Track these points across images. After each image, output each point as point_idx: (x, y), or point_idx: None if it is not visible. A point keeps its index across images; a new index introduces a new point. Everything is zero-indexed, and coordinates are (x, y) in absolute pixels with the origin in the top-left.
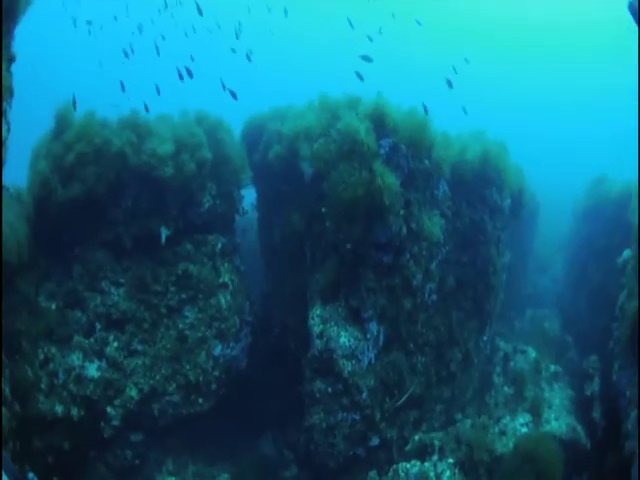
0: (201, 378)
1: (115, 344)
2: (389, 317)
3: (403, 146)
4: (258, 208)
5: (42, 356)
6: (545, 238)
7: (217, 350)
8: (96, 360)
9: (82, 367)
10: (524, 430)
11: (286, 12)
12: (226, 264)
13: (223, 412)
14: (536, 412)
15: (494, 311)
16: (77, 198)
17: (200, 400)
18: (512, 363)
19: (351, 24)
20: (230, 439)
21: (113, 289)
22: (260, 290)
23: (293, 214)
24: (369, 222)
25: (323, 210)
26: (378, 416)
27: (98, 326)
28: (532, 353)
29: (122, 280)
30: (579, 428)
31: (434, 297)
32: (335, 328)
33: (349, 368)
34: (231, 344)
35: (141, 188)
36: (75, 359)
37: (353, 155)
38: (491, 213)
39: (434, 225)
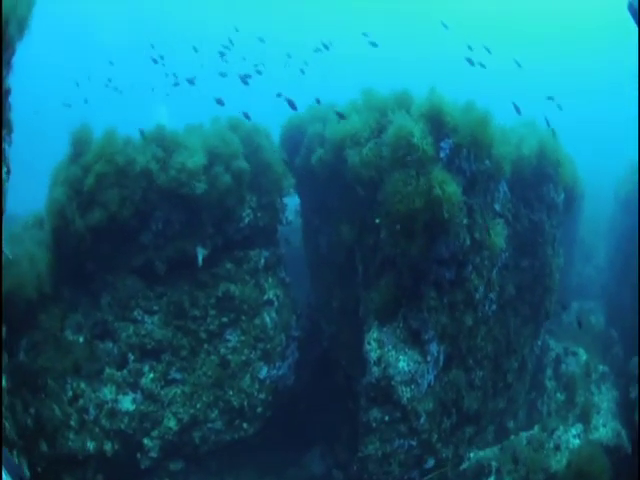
0: (245, 403)
1: (151, 375)
2: (449, 335)
3: (464, 147)
4: (302, 214)
5: (70, 393)
6: (588, 225)
7: (263, 372)
8: (130, 392)
9: (115, 401)
10: (576, 442)
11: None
12: (270, 279)
13: (268, 429)
14: (586, 419)
15: (549, 313)
16: (98, 226)
17: (245, 425)
18: (563, 366)
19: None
20: (276, 455)
21: (146, 317)
22: (307, 300)
23: (342, 225)
24: (430, 236)
25: (377, 221)
26: (435, 437)
27: (131, 357)
28: (583, 355)
29: (156, 307)
30: (623, 433)
31: (494, 307)
32: (393, 352)
33: (408, 395)
34: (277, 364)
35: (171, 207)
36: (107, 393)
37: (408, 161)
38: (548, 211)
39: (497, 235)
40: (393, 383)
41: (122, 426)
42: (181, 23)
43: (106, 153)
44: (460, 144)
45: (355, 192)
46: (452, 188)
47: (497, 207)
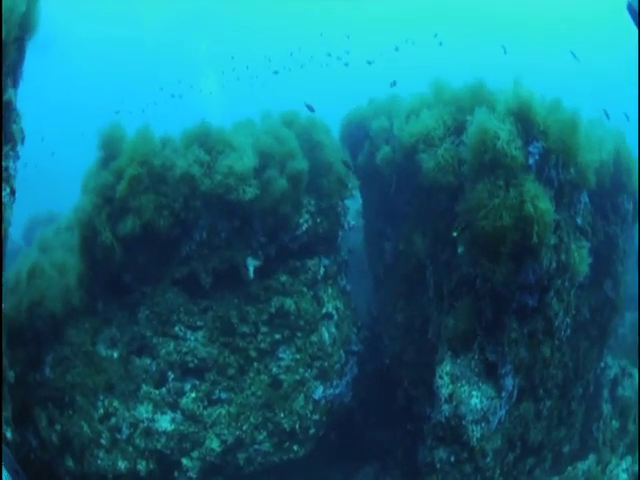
0: (297, 425)
1: (193, 395)
2: (525, 366)
3: (553, 153)
4: (364, 216)
5: (102, 410)
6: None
7: (318, 392)
8: (169, 412)
9: (152, 420)
10: (625, 477)
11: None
12: (330, 289)
13: (320, 444)
14: (633, 450)
15: (614, 332)
16: (131, 235)
17: (295, 447)
18: (620, 389)
19: None
20: (326, 472)
21: (189, 333)
22: (368, 309)
23: (414, 234)
24: (517, 259)
25: (454, 235)
26: (497, 473)
27: (171, 375)
28: (637, 378)
29: (200, 323)
30: None
31: (569, 332)
32: (466, 387)
33: (478, 434)
34: (335, 382)
35: (218, 215)
36: (143, 412)
37: (495, 168)
38: (622, 224)
39: (582, 258)
40: (464, 422)
41: (159, 446)
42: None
43: (139, 154)
44: (549, 149)
45: (428, 198)
46: (546, 205)
47: (579, 221)
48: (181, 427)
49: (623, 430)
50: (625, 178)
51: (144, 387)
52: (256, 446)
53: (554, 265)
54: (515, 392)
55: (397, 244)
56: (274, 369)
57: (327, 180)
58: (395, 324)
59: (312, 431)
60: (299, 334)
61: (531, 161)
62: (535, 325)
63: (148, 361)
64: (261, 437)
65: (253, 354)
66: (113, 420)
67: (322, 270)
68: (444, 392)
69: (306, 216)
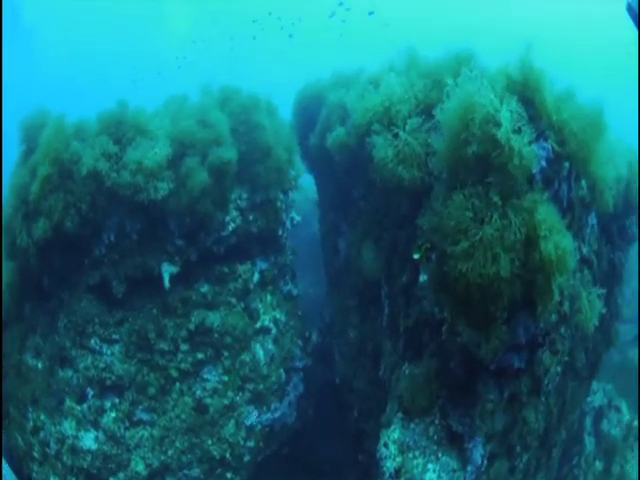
0: (228, 454)
1: (112, 414)
2: (501, 433)
3: (567, 160)
4: (320, 206)
5: (32, 423)
6: None
7: (251, 418)
8: (92, 430)
9: (76, 437)
10: None
11: None
12: (269, 297)
13: (270, 458)
14: None
15: (604, 364)
16: (43, 238)
17: (229, 475)
18: (605, 423)
19: None
20: None
21: (105, 347)
22: (321, 313)
23: (364, 243)
24: (508, 317)
25: (415, 257)
26: None
27: (90, 392)
28: (625, 414)
29: (116, 336)
30: None
31: (557, 379)
32: (420, 460)
33: None
34: (273, 405)
35: (127, 215)
36: (68, 428)
37: (485, 171)
38: (626, 250)
39: (594, 309)
40: None
41: (85, 464)
42: None
43: (52, 149)
44: (563, 154)
45: (386, 198)
46: (567, 241)
47: (585, 250)
48: (104, 447)
49: (607, 472)
50: (634, 198)
51: (67, 401)
52: (185, 471)
53: (554, 318)
54: (485, 462)
55: (350, 246)
56: (198, 392)
57: (264, 168)
58: (347, 340)
59: (247, 458)
60: (226, 353)
61: (536, 168)
62: (519, 387)
63: (70, 373)
64: (189, 462)
65: (174, 374)
66: (42, 434)
67: (257, 276)
68: (389, 466)
69: (234, 213)
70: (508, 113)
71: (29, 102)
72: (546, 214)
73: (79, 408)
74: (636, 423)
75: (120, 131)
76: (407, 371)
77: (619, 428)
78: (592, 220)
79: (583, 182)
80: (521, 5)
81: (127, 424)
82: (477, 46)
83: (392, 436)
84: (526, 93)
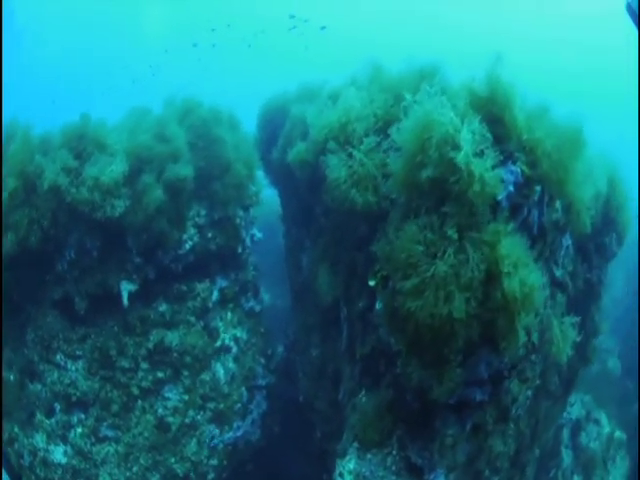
0: (192, 473)
1: (79, 429)
2: (465, 462)
3: (539, 184)
4: (284, 220)
5: (7, 434)
6: None
7: (213, 437)
8: (61, 444)
9: (47, 450)
10: None
11: None
12: (229, 314)
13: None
14: None
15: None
16: (10, 253)
17: None
18: (583, 435)
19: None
20: None
21: (70, 363)
22: (285, 329)
23: (321, 265)
24: (467, 353)
25: (371, 284)
26: None
27: (58, 407)
28: (605, 426)
29: (79, 352)
30: None
31: (528, 402)
32: None
33: None
34: (235, 424)
35: (87, 232)
36: (39, 440)
37: (441, 198)
38: (605, 267)
39: (566, 341)
40: None
41: (56, 477)
42: None
43: (17, 162)
44: (535, 177)
45: (344, 218)
46: (534, 277)
47: (558, 273)
48: (73, 461)
49: None
50: (614, 214)
51: (38, 415)
52: None
53: (522, 352)
54: None
55: (311, 268)
56: (160, 410)
57: (222, 184)
58: (309, 359)
59: (211, 476)
60: (185, 372)
61: (501, 195)
62: (483, 418)
63: (39, 387)
64: (154, 479)
65: (135, 391)
66: (16, 445)
67: (216, 294)
68: None
69: (192, 231)
70: (469, 134)
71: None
72: (511, 247)
73: (48, 422)
74: (617, 434)
75: (81, 145)
76: (364, 399)
77: (599, 441)
78: (567, 241)
79: (558, 204)
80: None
81: (93, 440)
82: (450, 59)
83: (347, 466)
84: (493, 110)
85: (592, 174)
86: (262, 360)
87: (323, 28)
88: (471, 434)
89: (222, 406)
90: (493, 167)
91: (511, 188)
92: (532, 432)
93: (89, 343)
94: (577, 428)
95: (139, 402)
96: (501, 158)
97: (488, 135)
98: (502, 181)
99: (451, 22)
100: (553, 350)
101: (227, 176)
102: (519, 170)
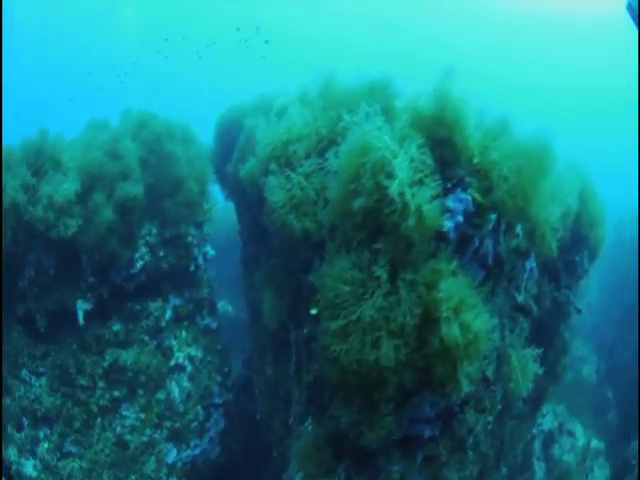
0: None
1: (45, 445)
2: None
3: (494, 212)
4: (241, 235)
5: None
6: None
7: (171, 456)
8: (31, 458)
9: (19, 463)
10: None
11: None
12: (184, 333)
13: None
14: None
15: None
16: None
17: None
18: (556, 447)
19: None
20: None
21: (34, 379)
22: (243, 346)
23: (266, 288)
24: (403, 398)
25: (313, 312)
26: None
27: (25, 421)
28: (580, 438)
29: (42, 369)
30: None
31: (490, 426)
32: None
33: None
34: (192, 443)
35: (44, 250)
36: (12, 453)
37: (373, 232)
38: (576, 286)
39: (526, 376)
40: None
41: None
42: None
43: None
44: (488, 206)
45: (287, 242)
46: (480, 322)
47: (520, 298)
48: (42, 476)
49: None
50: (587, 231)
51: (9, 428)
52: None
53: (472, 389)
54: None
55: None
56: (118, 428)
57: (173, 202)
58: (265, 377)
59: None
60: (141, 392)
61: (449, 225)
62: (436, 450)
63: (9, 401)
64: None
65: (95, 409)
66: None
67: (169, 313)
68: None
69: (144, 250)
70: (406, 160)
71: None
72: (453, 288)
73: (19, 436)
74: (594, 443)
75: (39, 161)
76: (309, 427)
77: (573, 453)
78: (531, 264)
79: (518, 229)
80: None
81: (59, 455)
82: (416, 70)
83: None
84: (439, 131)
85: (561, 191)
86: (218, 378)
87: (267, 42)
88: (423, 465)
89: (178, 425)
90: (436, 196)
91: (460, 218)
92: (497, 452)
93: (50, 360)
94: (549, 440)
95: (99, 420)
96: (449, 185)
97: (429, 161)
98: (449, 211)
99: (430, 31)
100: (511, 386)
101: (179, 193)
102: (470, 198)
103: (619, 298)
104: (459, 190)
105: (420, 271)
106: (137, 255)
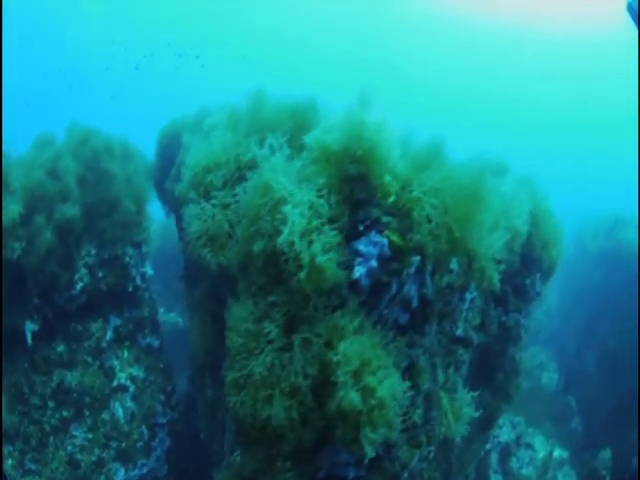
0: None
1: (10, 461)
2: None
3: (417, 254)
4: (182, 251)
5: None
6: None
7: (120, 475)
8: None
9: None
10: None
11: None
12: (125, 353)
13: None
14: None
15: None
16: None
17: None
18: (514, 460)
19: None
20: None
21: None
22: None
23: (196, 315)
24: (308, 452)
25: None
26: None
27: None
28: (540, 450)
29: None
30: None
31: (432, 455)
32: None
33: None
34: (139, 462)
35: None
36: None
37: (265, 283)
38: (527, 309)
39: (460, 420)
40: None
41: None
42: None
43: None
44: (402, 247)
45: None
46: (387, 387)
47: (459, 331)
48: None
49: None
50: (539, 253)
51: None
52: None
53: (394, 436)
54: None
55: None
56: (69, 447)
57: (110, 223)
58: (205, 398)
59: None
60: (87, 412)
61: (360, 271)
62: None
63: None
64: None
65: (47, 428)
66: None
67: (110, 333)
68: None
69: (83, 271)
70: (302, 206)
71: None
72: (355, 349)
73: None
74: (557, 453)
75: None
76: (238, 458)
77: (532, 467)
78: (470, 294)
79: (453, 264)
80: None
81: (21, 472)
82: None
83: None
84: (351, 168)
85: (509, 214)
86: (162, 397)
87: (197, 57)
88: None
89: (124, 445)
90: (338, 244)
91: (373, 263)
92: (445, 474)
93: (5, 379)
94: (507, 453)
95: (51, 438)
96: (361, 227)
97: (325, 205)
98: (361, 255)
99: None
100: (442, 430)
101: (115, 213)
102: (385, 241)
103: (581, 305)
104: (373, 233)
105: (317, 327)
106: (77, 276)
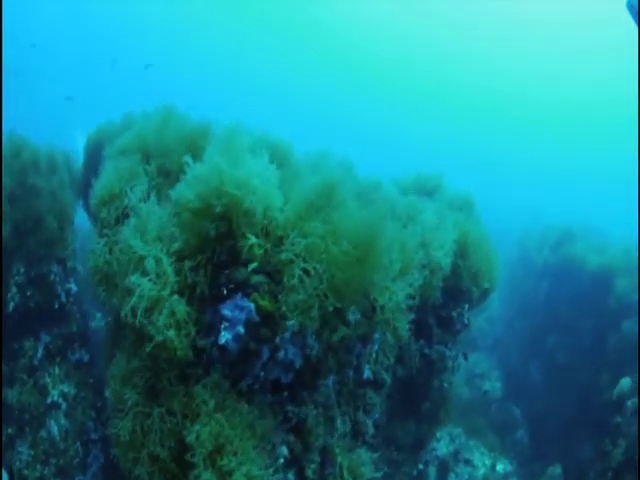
0: None
1: None
2: None
3: (291, 319)
4: None
5: None
6: None
7: None
8: None
9: None
10: None
11: None
12: (57, 369)
13: None
14: None
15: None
16: None
17: None
18: (452, 476)
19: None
20: None
21: None
22: None
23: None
24: None
25: None
26: None
27: None
28: (480, 467)
29: None
30: None
31: None
32: None
33: None
34: (77, 478)
35: None
36: None
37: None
38: (453, 341)
39: (358, 478)
40: None
41: None
42: None
43: None
44: (272, 311)
45: None
46: (244, 472)
47: (366, 374)
48: None
49: None
50: (468, 283)
51: None
52: None
53: None
54: None
55: None
56: (17, 463)
57: (34, 240)
58: None
59: None
60: (27, 429)
61: (225, 338)
62: None
63: None
64: None
65: None
66: None
67: (41, 351)
68: None
69: (14, 290)
70: (148, 275)
71: None
72: (213, 428)
73: None
74: (500, 467)
75: None
76: None
77: None
78: (379, 335)
79: (352, 313)
80: None
81: None
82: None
83: None
84: (210, 228)
85: (428, 248)
86: (92, 413)
87: (148, 66)
88: None
89: (62, 461)
90: (206, 308)
91: (240, 329)
92: None
93: None
94: (445, 468)
95: (5, 454)
96: (224, 291)
97: (188, 267)
98: (227, 320)
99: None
100: None
101: (39, 231)
102: (252, 306)
103: (526, 315)
104: (239, 296)
105: (172, 402)
106: (9, 295)
